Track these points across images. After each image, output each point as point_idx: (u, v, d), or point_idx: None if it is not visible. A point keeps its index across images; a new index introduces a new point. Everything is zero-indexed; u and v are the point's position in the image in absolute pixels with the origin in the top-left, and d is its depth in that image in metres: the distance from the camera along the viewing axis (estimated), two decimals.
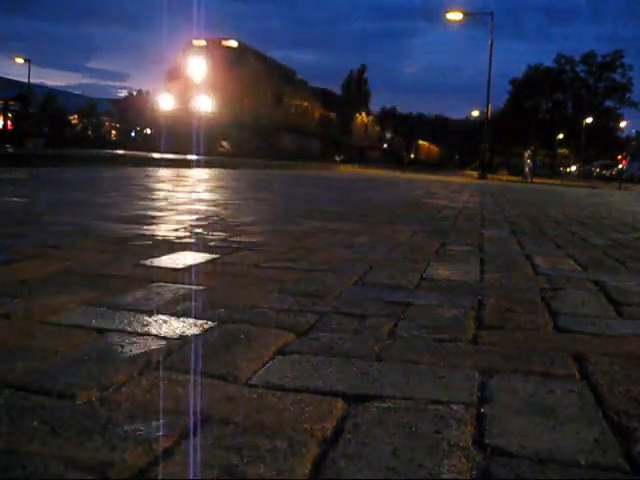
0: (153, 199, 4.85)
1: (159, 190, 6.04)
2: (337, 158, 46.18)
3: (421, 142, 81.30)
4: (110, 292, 1.60)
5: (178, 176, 9.53)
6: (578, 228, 4.49)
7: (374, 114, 64.92)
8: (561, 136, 57.24)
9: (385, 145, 65.74)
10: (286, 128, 36.06)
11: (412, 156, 73.81)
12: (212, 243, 2.59)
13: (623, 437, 0.88)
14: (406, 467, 0.77)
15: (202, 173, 11.79)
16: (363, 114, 56.92)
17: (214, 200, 5.14)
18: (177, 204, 4.47)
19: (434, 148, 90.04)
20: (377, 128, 63.11)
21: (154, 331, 1.29)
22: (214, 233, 2.92)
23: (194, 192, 6.05)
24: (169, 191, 6.00)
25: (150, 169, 11.97)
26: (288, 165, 21.25)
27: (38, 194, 5.05)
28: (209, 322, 1.38)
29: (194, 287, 1.73)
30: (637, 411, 0.98)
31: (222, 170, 13.88)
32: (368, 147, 56.51)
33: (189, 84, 28.08)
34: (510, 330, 1.46)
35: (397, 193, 8.79)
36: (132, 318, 1.38)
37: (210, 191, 6.59)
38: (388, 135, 67.35)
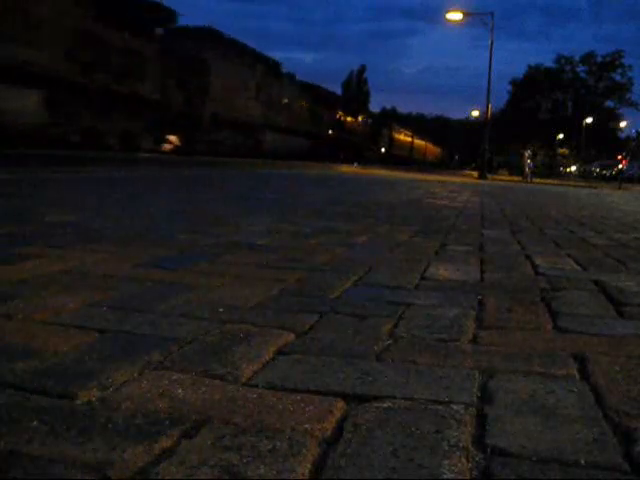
0: None
1: None
2: (166, 146, 20.34)
3: (397, 134, 53.94)
4: (107, 294, 1.60)
5: None
6: (578, 228, 4.49)
7: (296, 81, 32.45)
8: (561, 136, 57.29)
9: (331, 131, 37.46)
10: None
11: (382, 150, 49.72)
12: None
13: (623, 437, 0.89)
14: (406, 467, 0.77)
15: None
16: (260, 68, 26.96)
17: None
18: None
19: (420, 142, 64.55)
20: (303, 101, 32.89)
21: (154, 331, 1.29)
22: None
23: None
24: None
25: None
26: None
27: None
28: (209, 322, 1.38)
29: (194, 287, 1.73)
30: (637, 411, 0.98)
31: None
32: (274, 129, 28.34)
33: None
34: (510, 330, 1.46)
35: (398, 193, 8.79)
36: (132, 318, 1.38)
37: None
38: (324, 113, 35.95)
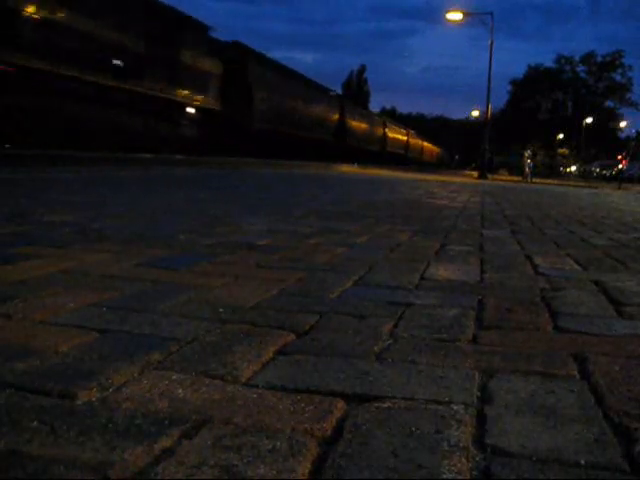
0: None
1: None
2: None
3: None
4: (107, 294, 1.60)
5: None
6: (578, 228, 4.49)
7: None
8: (561, 136, 57.32)
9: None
10: None
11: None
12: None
13: (623, 437, 0.88)
14: (406, 467, 0.77)
15: None
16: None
17: None
18: None
19: (363, 124, 36.31)
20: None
21: (154, 331, 1.29)
22: None
23: None
24: None
25: None
26: None
27: None
28: (209, 322, 1.38)
29: (194, 287, 1.73)
30: (637, 411, 0.98)
31: None
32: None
33: None
34: (510, 330, 1.46)
35: (398, 193, 8.79)
36: (132, 318, 1.38)
37: None
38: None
